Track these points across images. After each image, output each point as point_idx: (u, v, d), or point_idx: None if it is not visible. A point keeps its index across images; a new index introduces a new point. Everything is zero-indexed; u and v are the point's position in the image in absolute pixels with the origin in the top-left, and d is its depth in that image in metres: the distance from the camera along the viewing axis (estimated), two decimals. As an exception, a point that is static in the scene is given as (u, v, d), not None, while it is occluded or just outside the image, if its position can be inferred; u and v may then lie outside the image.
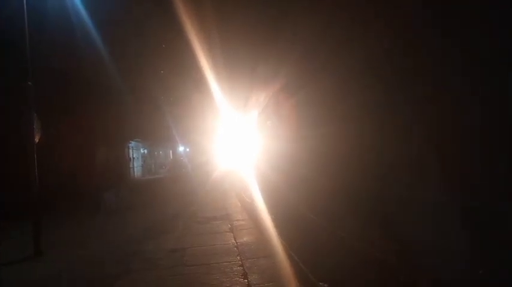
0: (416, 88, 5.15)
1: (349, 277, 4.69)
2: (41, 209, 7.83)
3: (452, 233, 4.18)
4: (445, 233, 4.33)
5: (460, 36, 4.06)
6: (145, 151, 37.91)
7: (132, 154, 31.79)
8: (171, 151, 46.33)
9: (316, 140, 8.88)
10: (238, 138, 20.43)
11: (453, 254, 3.96)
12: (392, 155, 6.19)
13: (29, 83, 7.81)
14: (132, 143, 31.14)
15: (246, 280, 5.15)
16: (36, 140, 7.94)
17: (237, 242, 7.32)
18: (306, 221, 7.80)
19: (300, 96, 9.84)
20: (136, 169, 33.19)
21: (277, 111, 12.67)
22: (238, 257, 6.26)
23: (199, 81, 16.76)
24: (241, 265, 5.80)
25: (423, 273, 4.13)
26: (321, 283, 4.29)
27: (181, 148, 41.37)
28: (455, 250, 3.98)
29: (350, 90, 6.77)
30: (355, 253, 5.34)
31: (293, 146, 11.07)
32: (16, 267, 6.88)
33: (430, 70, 4.80)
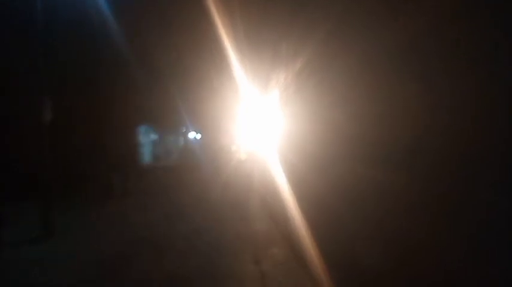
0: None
1: None
2: (51, 191, 8.12)
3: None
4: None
5: None
6: (156, 137, 38.32)
7: (143, 139, 32.18)
8: (182, 138, 46.68)
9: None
10: (260, 123, 18.94)
11: None
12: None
13: (41, 64, 8.04)
14: (143, 129, 31.49)
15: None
16: (47, 121, 8.20)
17: None
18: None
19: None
20: (146, 154, 33.62)
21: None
22: None
23: (216, 62, 16.79)
24: None
25: None
26: None
27: (193, 135, 41.54)
28: None
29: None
30: None
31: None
32: (25, 249, 7.21)
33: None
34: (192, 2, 12.50)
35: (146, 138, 34.38)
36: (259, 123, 16.26)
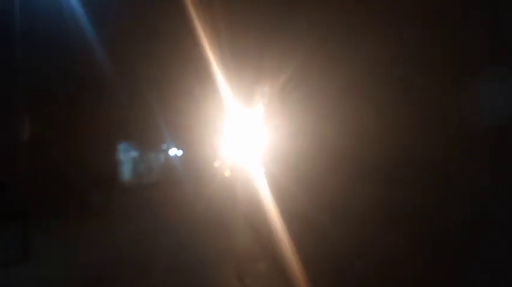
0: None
1: None
2: (28, 211, 7.85)
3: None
4: None
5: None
6: (137, 154, 37.82)
7: (123, 157, 31.72)
8: (162, 155, 46.22)
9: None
10: (243, 137, 18.37)
11: None
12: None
13: (19, 79, 7.87)
14: (123, 146, 31.07)
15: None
16: (25, 137, 7.98)
17: None
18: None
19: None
20: (127, 171, 33.11)
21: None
22: None
23: (198, 76, 16.75)
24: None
25: None
26: None
27: (174, 151, 41.20)
28: None
29: (364, 84, 6.29)
30: None
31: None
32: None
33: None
34: (173, 14, 12.52)
35: (126, 156, 33.90)
36: (243, 137, 16.13)
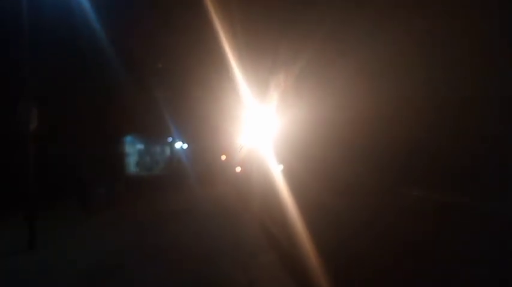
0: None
1: None
2: (35, 203, 7.95)
3: None
4: None
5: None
6: (142, 147, 38.07)
7: (128, 149, 31.94)
8: (168, 148, 46.43)
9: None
10: (253, 129, 17.43)
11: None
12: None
13: (26, 72, 7.96)
14: (128, 138, 31.26)
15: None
16: (31, 130, 8.06)
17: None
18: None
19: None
20: (132, 165, 33.35)
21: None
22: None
23: (207, 67, 16.67)
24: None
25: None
26: None
27: (179, 144, 41.19)
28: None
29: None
30: None
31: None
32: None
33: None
34: (188, 4, 12.45)
35: (132, 149, 34.12)
36: (256, 127, 15.75)
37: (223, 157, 29.27)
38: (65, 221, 11.05)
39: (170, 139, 40.59)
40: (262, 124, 14.52)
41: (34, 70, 8.25)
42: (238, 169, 19.43)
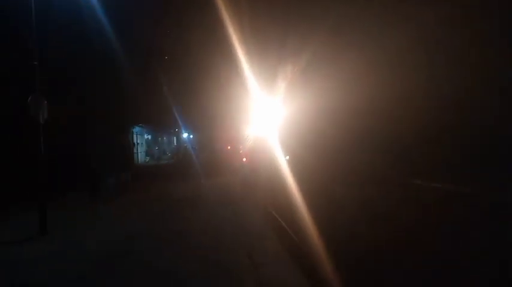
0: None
1: None
2: (46, 190, 8.24)
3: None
4: None
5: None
6: (149, 137, 38.41)
7: (136, 139, 32.25)
8: (175, 137, 46.77)
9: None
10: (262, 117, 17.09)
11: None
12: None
13: (35, 62, 8.16)
14: (136, 128, 31.55)
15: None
16: (42, 121, 8.31)
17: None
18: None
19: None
20: (140, 154, 33.70)
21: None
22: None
23: (215, 56, 16.69)
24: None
25: None
26: None
27: (186, 134, 41.39)
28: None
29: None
30: None
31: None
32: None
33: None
34: None
35: (140, 139, 34.45)
36: (260, 119, 15.60)
37: (230, 147, 29.17)
38: (75, 209, 11.38)
39: (177, 129, 40.85)
40: (269, 115, 14.57)
41: (44, 62, 8.48)
42: (244, 159, 19.35)
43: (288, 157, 13.05)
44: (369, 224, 6.05)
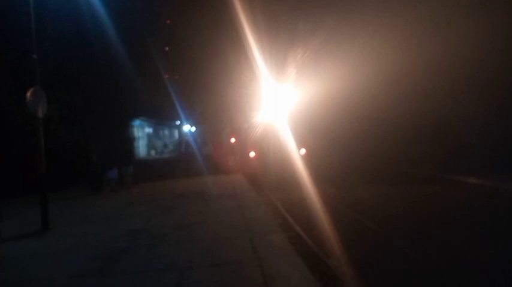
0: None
1: None
2: (47, 186, 8.16)
3: None
4: None
5: None
6: (151, 130, 38.30)
7: (137, 133, 32.16)
8: (176, 131, 46.68)
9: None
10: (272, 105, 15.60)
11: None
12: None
13: (34, 56, 8.05)
14: (137, 122, 31.44)
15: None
16: (41, 115, 8.20)
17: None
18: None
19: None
20: (142, 148, 33.63)
21: None
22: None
23: (220, 46, 16.36)
24: None
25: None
26: None
27: (187, 127, 41.26)
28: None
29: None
30: None
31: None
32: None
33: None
34: None
35: (141, 132, 34.33)
36: (270, 108, 14.91)
37: (235, 140, 27.82)
38: (77, 203, 11.32)
39: (180, 122, 40.69)
40: (279, 103, 13.86)
41: (44, 56, 8.36)
42: (252, 154, 17.83)
43: (303, 151, 12.57)
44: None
